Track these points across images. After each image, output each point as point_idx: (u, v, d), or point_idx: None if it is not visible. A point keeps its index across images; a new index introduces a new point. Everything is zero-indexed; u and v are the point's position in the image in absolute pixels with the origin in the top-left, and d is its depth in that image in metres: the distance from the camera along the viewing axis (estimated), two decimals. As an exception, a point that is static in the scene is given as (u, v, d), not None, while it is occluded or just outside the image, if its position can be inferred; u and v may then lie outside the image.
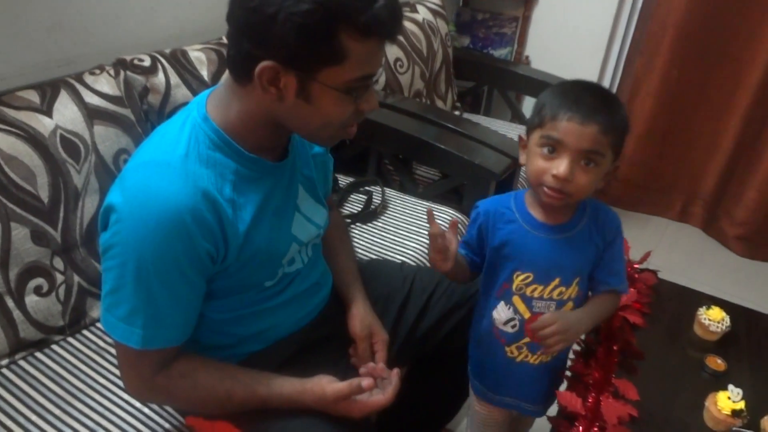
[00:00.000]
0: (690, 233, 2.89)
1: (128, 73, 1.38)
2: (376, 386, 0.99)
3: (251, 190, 0.94)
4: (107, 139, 1.28)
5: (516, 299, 1.08)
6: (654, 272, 1.48)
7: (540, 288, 1.07)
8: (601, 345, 1.22)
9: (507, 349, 1.12)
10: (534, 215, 1.07)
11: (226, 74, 0.93)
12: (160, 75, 1.41)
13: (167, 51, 1.48)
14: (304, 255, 1.10)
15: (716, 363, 1.21)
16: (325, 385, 0.96)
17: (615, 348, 1.20)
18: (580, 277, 1.07)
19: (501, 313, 1.10)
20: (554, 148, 0.96)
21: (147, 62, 1.41)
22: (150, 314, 0.87)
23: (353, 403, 0.97)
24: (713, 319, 1.28)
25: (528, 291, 1.07)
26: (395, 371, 1.01)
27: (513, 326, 1.10)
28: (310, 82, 0.84)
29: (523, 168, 1.12)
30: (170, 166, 0.86)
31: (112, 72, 1.35)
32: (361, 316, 1.16)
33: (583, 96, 0.95)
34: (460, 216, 1.72)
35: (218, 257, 0.91)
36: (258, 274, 1.01)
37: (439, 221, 1.54)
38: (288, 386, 0.97)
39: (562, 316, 1.01)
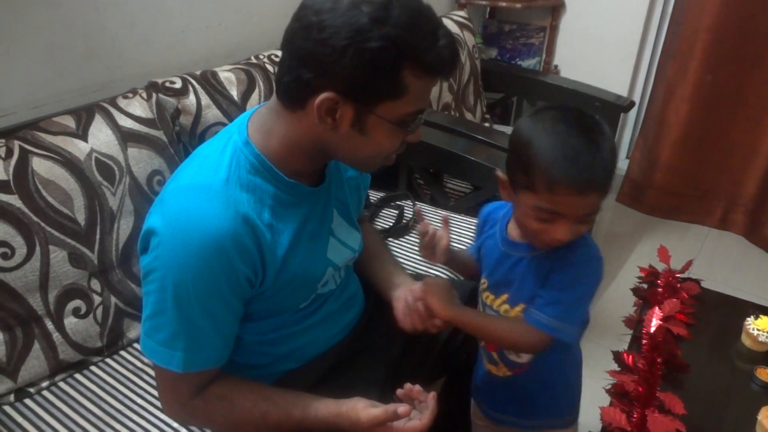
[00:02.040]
0: (732, 241, 2.80)
1: (160, 95, 1.40)
2: (411, 411, 0.96)
3: (289, 216, 0.94)
4: (141, 161, 1.30)
5: (481, 300, 1.11)
6: (697, 281, 1.43)
7: (491, 297, 1.07)
8: (644, 358, 1.17)
9: (487, 366, 1.13)
10: (509, 230, 1.05)
11: (272, 98, 0.93)
12: (191, 96, 1.43)
13: (197, 72, 1.50)
14: (338, 277, 1.10)
15: (767, 374, 1.17)
16: (360, 410, 0.94)
17: (659, 360, 1.16)
18: (525, 305, 1.00)
19: None
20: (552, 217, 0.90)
21: (178, 84, 1.43)
22: (190, 338, 0.88)
23: (389, 429, 0.94)
24: (762, 329, 1.23)
25: (484, 296, 1.09)
26: (432, 394, 0.98)
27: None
28: (367, 115, 0.85)
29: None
30: (211, 190, 0.87)
31: (144, 95, 1.37)
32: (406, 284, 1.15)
33: (578, 151, 0.85)
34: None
35: (256, 281, 0.91)
36: (293, 297, 1.01)
37: (470, 232, 1.53)
38: (323, 409, 0.96)
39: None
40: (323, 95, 0.82)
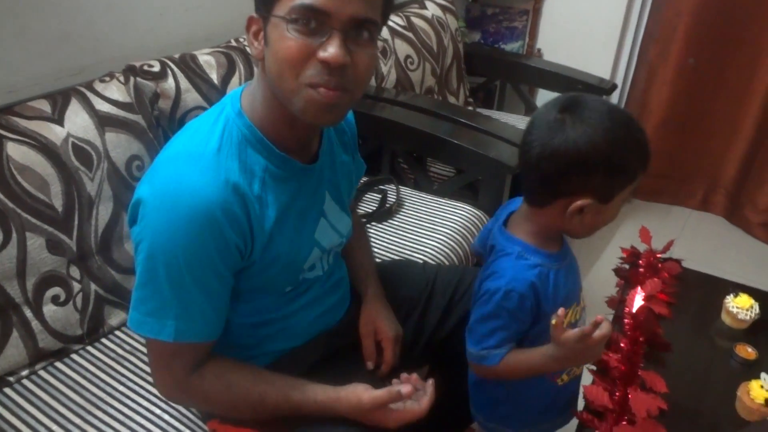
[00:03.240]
0: (713, 222, 2.83)
1: (138, 79, 1.38)
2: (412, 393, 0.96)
3: (279, 190, 0.93)
4: (119, 145, 1.28)
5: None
6: (678, 261, 1.44)
7: (578, 308, 1.08)
8: (626, 337, 1.18)
9: (558, 380, 1.09)
10: (552, 252, 1.01)
11: (258, 69, 0.92)
12: (170, 80, 1.41)
13: (176, 56, 1.48)
14: (325, 262, 1.09)
15: (746, 351, 1.18)
16: (361, 393, 0.93)
17: (641, 339, 1.17)
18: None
19: None
20: None
21: (156, 68, 1.41)
22: (182, 307, 0.86)
23: (389, 412, 0.94)
24: (741, 306, 1.25)
25: (574, 319, 1.05)
26: (430, 382, 0.98)
27: None
28: (268, 23, 0.83)
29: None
30: (202, 158, 0.86)
31: (122, 79, 1.35)
32: (366, 313, 1.15)
33: (639, 130, 0.93)
34: (476, 211, 1.70)
35: (246, 251, 0.90)
36: (279, 278, 0.99)
37: (455, 216, 1.52)
38: (322, 393, 0.95)
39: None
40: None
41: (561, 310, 0.91)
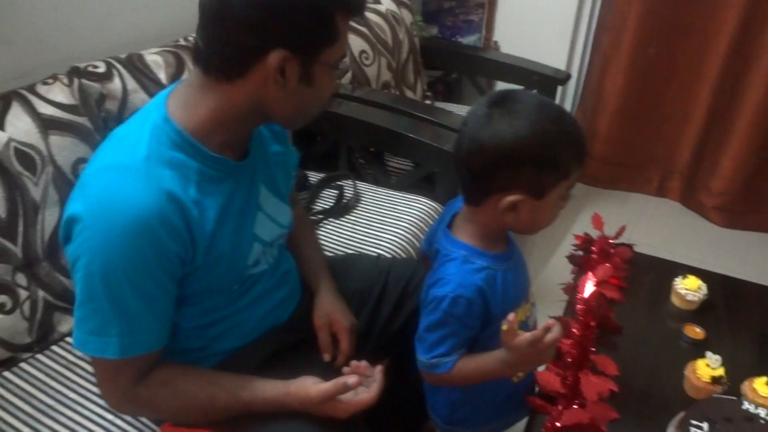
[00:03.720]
0: (670, 207, 2.89)
1: (83, 81, 1.35)
2: (361, 384, 0.96)
3: (215, 191, 0.93)
4: (64, 149, 1.25)
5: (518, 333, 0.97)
6: (630, 246, 1.47)
7: (528, 306, 1.08)
8: (578, 322, 1.20)
9: (514, 378, 1.09)
10: (498, 252, 1.00)
11: (193, 75, 0.90)
12: (116, 81, 1.39)
13: (123, 56, 1.45)
14: (270, 256, 1.09)
15: (695, 331, 1.21)
16: (310, 387, 0.94)
17: (592, 324, 1.19)
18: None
19: None
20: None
21: (102, 69, 1.38)
22: (124, 322, 0.85)
23: (338, 403, 0.94)
24: (689, 288, 1.28)
25: (522, 316, 1.04)
26: (378, 368, 0.99)
27: None
28: (313, 64, 0.87)
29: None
30: (132, 169, 0.84)
31: (65, 81, 1.32)
32: (320, 305, 1.16)
33: (574, 123, 0.92)
34: (432, 204, 1.71)
35: (187, 258, 0.89)
36: (225, 277, 0.99)
37: (412, 209, 1.52)
38: (271, 389, 0.95)
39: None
40: (275, 54, 0.83)
41: (511, 315, 0.89)
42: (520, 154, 0.88)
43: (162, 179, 0.85)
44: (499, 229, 1.00)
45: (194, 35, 0.89)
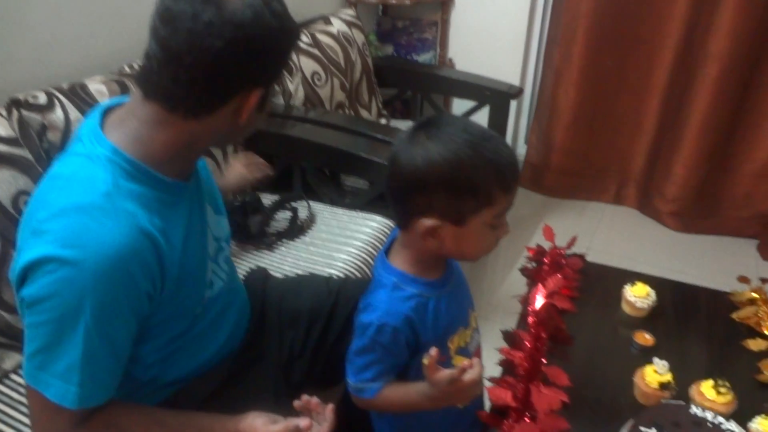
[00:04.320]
0: (627, 214, 2.94)
1: (23, 112, 1.33)
2: (311, 425, 0.94)
3: (175, 216, 0.92)
4: (3, 181, 1.22)
5: (457, 360, 1.01)
6: (581, 256, 1.49)
7: (468, 331, 1.05)
8: (530, 334, 1.21)
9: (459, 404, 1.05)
10: (432, 279, 0.98)
11: (141, 110, 0.87)
12: (58, 111, 1.37)
13: (65, 86, 1.43)
14: (219, 271, 1.07)
15: (644, 338, 1.22)
16: (259, 428, 0.91)
17: (543, 336, 1.20)
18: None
19: None
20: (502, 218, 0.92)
21: (42, 99, 1.36)
22: (88, 370, 0.82)
23: None
24: (638, 295, 1.29)
25: (462, 342, 1.03)
26: (330, 407, 0.96)
27: None
28: (269, 91, 0.92)
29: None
30: (95, 208, 0.81)
31: (4, 113, 1.29)
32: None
33: (497, 147, 0.88)
34: (387, 222, 1.71)
35: (155, 295, 0.88)
36: (189, 300, 0.97)
37: (366, 228, 1.50)
38: (219, 427, 0.93)
39: None
40: (255, 93, 0.87)
41: (434, 350, 0.86)
42: (431, 179, 0.86)
43: (130, 214, 0.82)
44: (429, 255, 0.96)
45: (144, 68, 0.86)
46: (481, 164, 0.86)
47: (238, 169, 1.50)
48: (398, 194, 0.91)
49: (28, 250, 0.80)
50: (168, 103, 0.85)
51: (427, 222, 0.89)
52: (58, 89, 1.41)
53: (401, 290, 0.95)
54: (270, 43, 0.84)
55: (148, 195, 0.87)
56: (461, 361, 0.96)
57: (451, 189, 0.86)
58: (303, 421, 0.92)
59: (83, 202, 0.81)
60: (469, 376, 0.88)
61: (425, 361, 0.87)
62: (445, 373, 0.87)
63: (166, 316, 0.94)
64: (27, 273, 0.80)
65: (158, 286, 0.87)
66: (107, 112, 0.91)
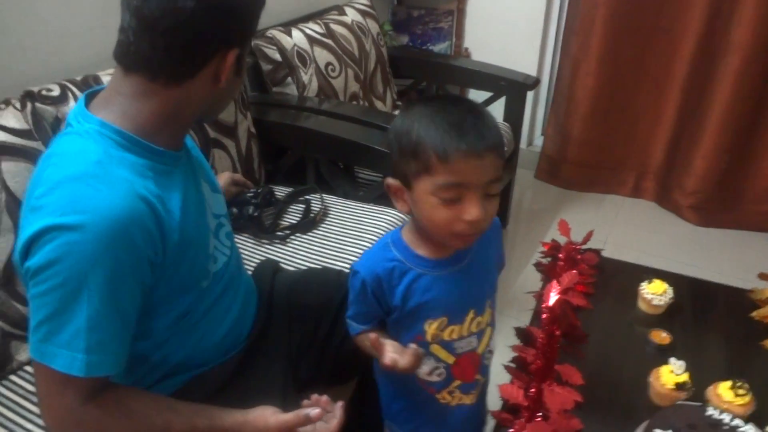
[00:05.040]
0: (645, 208, 2.90)
1: (37, 104, 1.33)
2: (322, 416, 0.94)
3: (170, 184, 0.92)
4: (18, 174, 1.22)
5: (435, 348, 1.01)
6: (597, 251, 1.46)
7: (457, 328, 1.01)
8: (543, 331, 1.19)
9: (438, 396, 1.06)
10: (426, 255, 0.97)
11: (125, 83, 0.89)
12: (72, 103, 1.36)
13: (78, 78, 1.43)
14: (222, 247, 1.08)
15: (660, 337, 1.20)
16: (269, 417, 0.92)
17: (557, 333, 1.18)
18: (491, 299, 1.05)
19: (422, 365, 1.00)
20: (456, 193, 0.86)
21: (56, 92, 1.36)
22: (95, 336, 0.81)
23: None
24: (655, 292, 1.27)
25: (445, 336, 1.00)
26: (340, 404, 0.97)
27: (439, 374, 1.03)
28: (243, 54, 0.94)
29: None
30: (90, 175, 0.81)
31: (18, 105, 1.29)
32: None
33: (461, 119, 0.84)
34: (402, 215, 1.70)
35: (157, 261, 0.88)
36: (194, 271, 0.97)
37: (379, 222, 1.48)
38: (229, 418, 0.93)
39: None
40: (232, 53, 0.89)
41: (372, 335, 0.92)
42: (389, 139, 0.92)
43: (124, 180, 0.83)
44: (422, 227, 0.94)
45: (121, 42, 0.89)
46: (424, 130, 0.85)
47: (223, 179, 1.54)
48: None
49: (28, 226, 0.81)
50: (149, 72, 0.87)
51: (390, 180, 0.93)
52: (71, 82, 1.41)
53: (388, 251, 0.98)
54: (240, 0, 0.89)
55: (140, 163, 0.88)
56: (440, 352, 1.01)
57: (398, 149, 0.89)
58: (313, 411, 0.92)
59: (76, 171, 0.82)
60: (401, 364, 0.90)
61: (370, 342, 0.92)
62: (384, 361, 0.90)
63: (172, 288, 0.94)
64: (29, 247, 0.80)
65: (160, 253, 0.88)
66: (91, 96, 0.93)
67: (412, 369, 0.92)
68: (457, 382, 1.05)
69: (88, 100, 0.92)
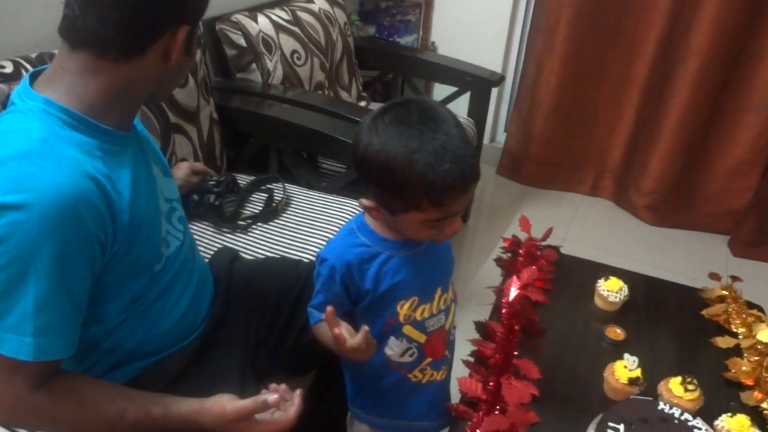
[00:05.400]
0: (602, 206, 2.96)
1: (-11, 81, 1.28)
2: (280, 402, 0.93)
3: (120, 164, 0.90)
4: (-34, 154, 1.18)
5: (407, 329, 1.03)
6: (556, 248, 1.49)
7: (428, 307, 1.03)
8: (502, 325, 1.20)
9: (410, 375, 1.07)
10: (392, 238, 0.99)
11: (70, 60, 0.85)
12: (25, 81, 1.31)
13: (33, 55, 1.38)
14: (174, 231, 1.06)
15: (615, 333, 1.23)
16: (226, 403, 0.90)
17: (516, 328, 1.20)
18: (451, 275, 1.09)
19: (394, 347, 1.04)
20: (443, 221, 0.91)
21: (9, 69, 1.31)
22: (43, 318, 0.79)
23: (254, 424, 0.92)
24: (611, 289, 1.30)
25: (417, 315, 1.02)
26: (298, 391, 0.96)
27: (411, 354, 1.05)
28: (193, 33, 0.92)
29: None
30: (34, 153, 0.78)
31: (-32, 82, 1.24)
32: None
33: (443, 150, 0.84)
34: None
35: (107, 243, 0.85)
36: (145, 254, 0.95)
37: (341, 212, 1.47)
38: (185, 406, 0.91)
39: None
40: (183, 30, 0.87)
41: (329, 308, 0.89)
42: (366, 167, 0.89)
43: (71, 158, 0.81)
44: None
45: (66, 17, 0.85)
46: (411, 176, 0.85)
47: (182, 170, 1.51)
48: (353, 166, 0.94)
49: None
50: (97, 47, 0.84)
51: (365, 201, 0.94)
52: (25, 59, 1.36)
53: (354, 236, 0.99)
54: None
55: (87, 142, 0.85)
56: (412, 332, 1.02)
57: (380, 184, 0.89)
58: (272, 396, 0.91)
59: (19, 150, 0.79)
60: (348, 343, 0.89)
61: (324, 316, 0.91)
62: (333, 332, 0.89)
63: (123, 271, 0.91)
64: None
65: (110, 234, 0.85)
66: (35, 75, 0.89)
67: (362, 351, 0.91)
68: (429, 360, 1.07)
69: (33, 78, 0.89)
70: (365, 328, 0.91)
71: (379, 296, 0.99)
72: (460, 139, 0.87)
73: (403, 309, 1.01)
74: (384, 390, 1.10)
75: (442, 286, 1.06)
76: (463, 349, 1.18)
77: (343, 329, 0.90)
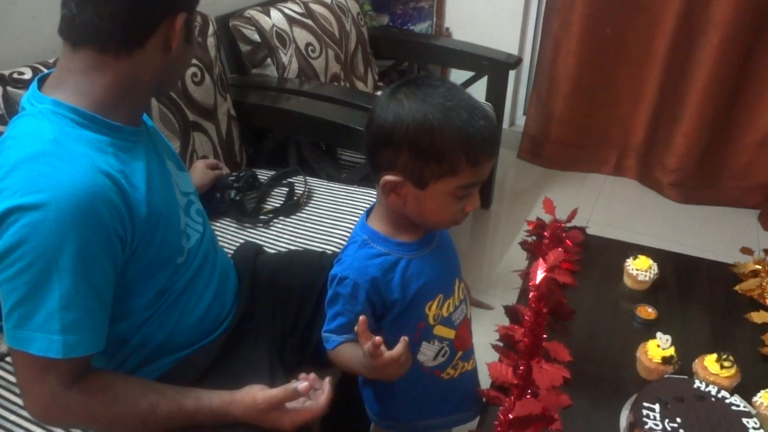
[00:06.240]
0: (627, 186, 2.92)
1: (8, 88, 1.29)
2: (309, 391, 0.94)
3: (133, 159, 0.90)
4: (-10, 160, 1.19)
5: (438, 329, 1.00)
6: (582, 229, 1.46)
7: (451, 300, 1.02)
8: (530, 309, 1.19)
9: (443, 374, 1.05)
10: (406, 240, 0.97)
11: (75, 60, 0.86)
12: (45, 87, 1.33)
13: (51, 60, 1.39)
14: (193, 224, 1.06)
15: (646, 312, 1.21)
16: (256, 393, 0.91)
17: (544, 311, 1.18)
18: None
19: (427, 352, 1.01)
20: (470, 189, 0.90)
21: (28, 75, 1.32)
22: (69, 316, 0.80)
23: (285, 412, 0.92)
24: (640, 268, 1.27)
25: (444, 312, 1.01)
26: (328, 379, 0.97)
27: (444, 354, 1.03)
28: (191, 20, 0.92)
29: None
30: (50, 154, 0.79)
31: (-11, 89, 1.26)
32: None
33: (470, 115, 0.84)
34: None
35: (127, 238, 0.86)
36: (166, 247, 0.96)
37: (364, 203, 1.45)
38: (216, 398, 0.92)
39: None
40: (180, 17, 0.87)
41: (362, 318, 0.85)
42: (398, 135, 0.84)
43: (83, 156, 0.82)
44: (400, 215, 0.94)
45: (65, 17, 0.87)
46: (449, 131, 0.83)
47: (198, 167, 1.54)
48: (370, 147, 0.90)
49: None
50: (97, 43, 0.84)
51: (390, 177, 0.88)
52: (43, 65, 1.37)
53: (369, 248, 0.95)
54: None
55: (99, 139, 0.86)
56: (442, 331, 0.99)
57: (415, 150, 0.85)
58: (302, 384, 0.92)
59: (32, 151, 0.80)
60: (387, 354, 0.86)
61: (356, 328, 0.86)
62: (367, 345, 0.85)
63: (146, 265, 0.92)
64: None
65: (129, 228, 0.86)
66: (42, 79, 0.91)
67: (399, 363, 0.88)
68: (459, 354, 1.05)
69: (41, 83, 0.90)
70: (405, 338, 0.88)
71: (408, 303, 0.96)
72: (485, 107, 0.89)
73: (432, 310, 0.98)
74: (416, 397, 1.07)
75: (458, 276, 1.05)
76: (491, 334, 1.17)
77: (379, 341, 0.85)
